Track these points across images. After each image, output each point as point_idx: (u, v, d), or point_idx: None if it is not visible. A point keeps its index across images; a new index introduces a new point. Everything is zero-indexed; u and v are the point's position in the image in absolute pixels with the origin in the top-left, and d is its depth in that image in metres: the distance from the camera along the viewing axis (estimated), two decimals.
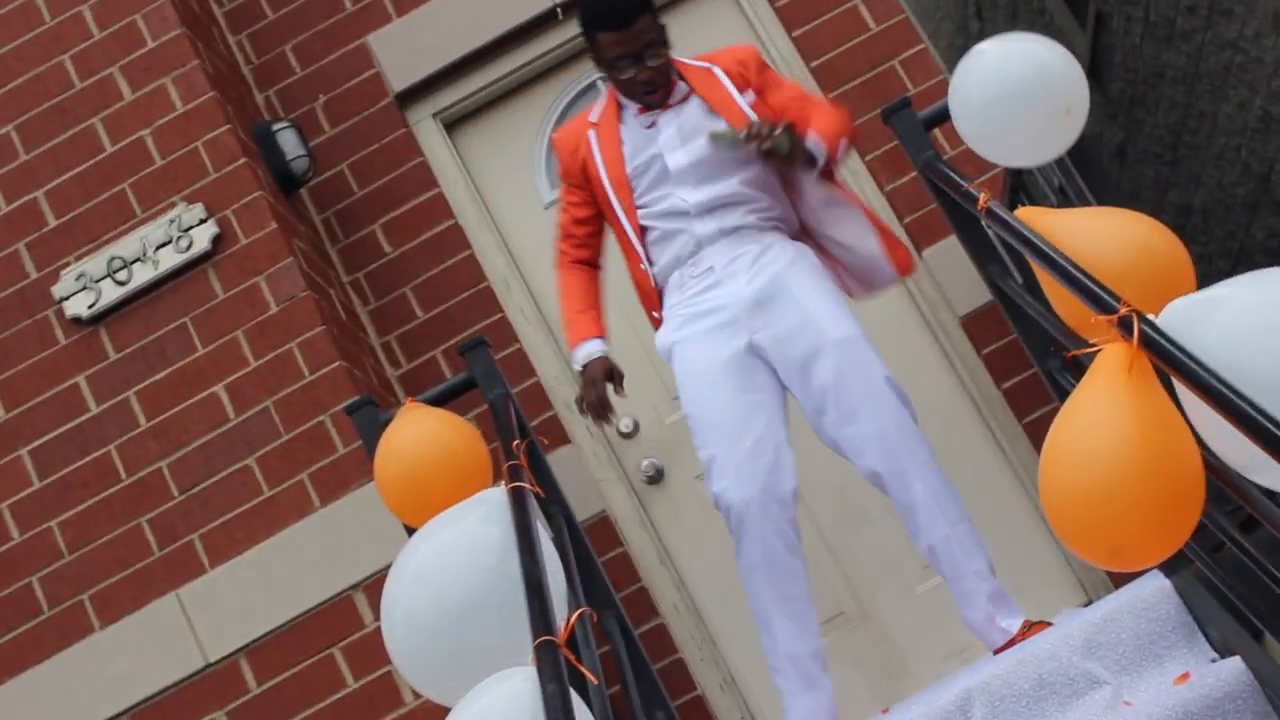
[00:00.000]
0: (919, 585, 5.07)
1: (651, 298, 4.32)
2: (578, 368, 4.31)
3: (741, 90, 4.28)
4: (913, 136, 4.25)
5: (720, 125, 4.17)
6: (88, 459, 4.88)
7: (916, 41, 5.34)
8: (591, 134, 4.35)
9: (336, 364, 4.81)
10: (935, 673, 4.97)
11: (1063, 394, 3.95)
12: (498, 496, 3.56)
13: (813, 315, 4.11)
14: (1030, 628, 3.96)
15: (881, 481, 4.10)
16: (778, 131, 4.00)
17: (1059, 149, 4.13)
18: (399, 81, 5.60)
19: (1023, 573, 4.93)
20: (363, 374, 4.97)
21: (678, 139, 4.25)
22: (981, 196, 3.72)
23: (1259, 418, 2.56)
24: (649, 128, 4.30)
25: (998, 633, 3.99)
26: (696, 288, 4.21)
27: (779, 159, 4.06)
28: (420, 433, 3.91)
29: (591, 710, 2.98)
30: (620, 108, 4.36)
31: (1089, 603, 4.86)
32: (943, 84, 5.20)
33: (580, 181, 4.36)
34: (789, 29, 5.45)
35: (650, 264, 4.28)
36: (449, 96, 5.64)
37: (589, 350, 4.28)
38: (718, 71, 4.32)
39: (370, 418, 4.26)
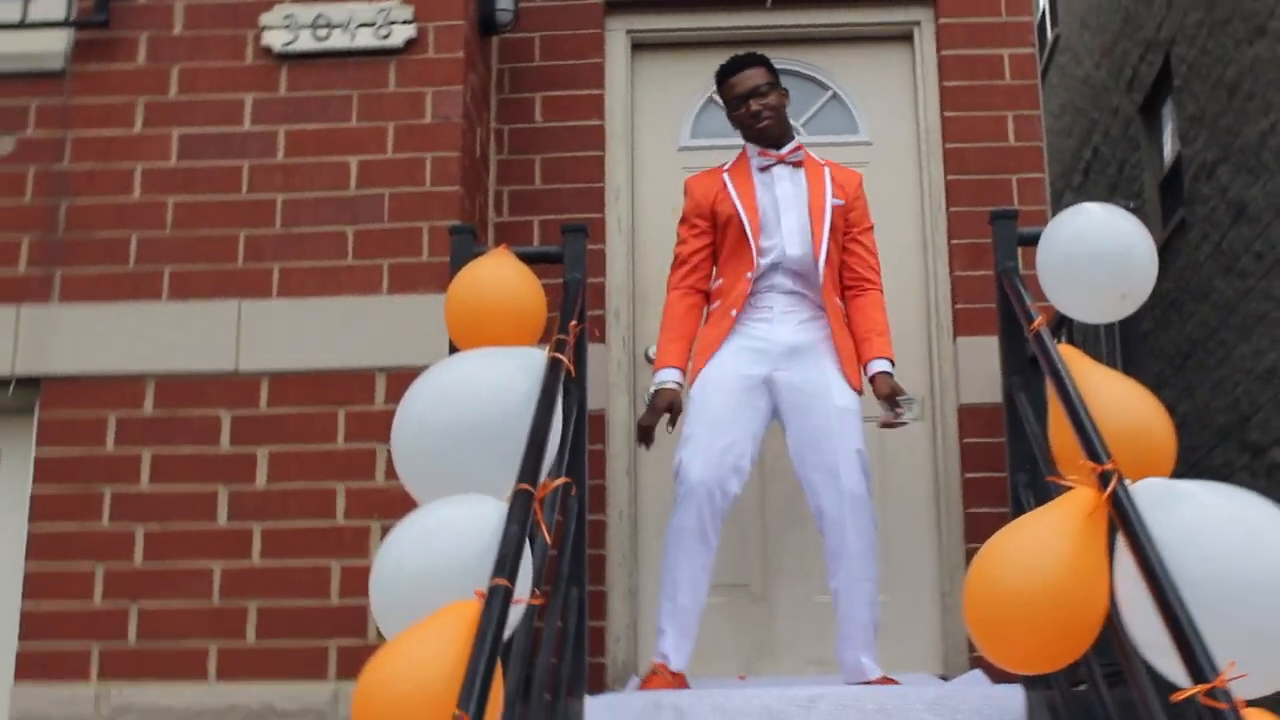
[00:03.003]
0: (818, 596, 5.11)
1: (740, 301, 4.56)
2: (653, 387, 4.59)
3: (835, 196, 4.66)
4: (1006, 244, 4.26)
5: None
6: (222, 162, 4.92)
7: (1038, 170, 5.34)
8: (726, 176, 4.72)
9: (455, 188, 4.85)
10: (795, 668, 5.05)
11: (1018, 505, 3.99)
12: (539, 357, 3.61)
13: (827, 379, 4.48)
14: (884, 681, 4.28)
15: (823, 522, 4.46)
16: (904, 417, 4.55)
17: (1105, 319, 4.13)
18: None
19: (902, 632, 5.00)
20: (470, 206, 5.00)
21: (793, 201, 4.62)
22: (1038, 320, 3.74)
23: (1176, 607, 2.61)
24: (763, 170, 4.67)
25: (858, 673, 4.33)
26: (754, 317, 4.57)
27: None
28: (502, 274, 3.91)
29: (533, 561, 3.03)
30: (748, 161, 4.71)
31: (945, 677, 4.94)
32: (1039, 214, 5.21)
33: (706, 214, 4.66)
34: (944, 108, 5.44)
35: (751, 284, 4.57)
36: (647, 23, 5.64)
37: (665, 377, 4.58)
38: (828, 172, 4.71)
39: (466, 244, 4.28)
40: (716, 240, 4.66)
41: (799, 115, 5.59)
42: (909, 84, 5.60)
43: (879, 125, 5.58)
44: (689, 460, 4.43)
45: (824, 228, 4.58)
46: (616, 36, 5.64)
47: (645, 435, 4.61)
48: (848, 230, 4.68)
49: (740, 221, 4.58)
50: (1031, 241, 4.38)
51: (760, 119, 4.66)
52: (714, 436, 4.43)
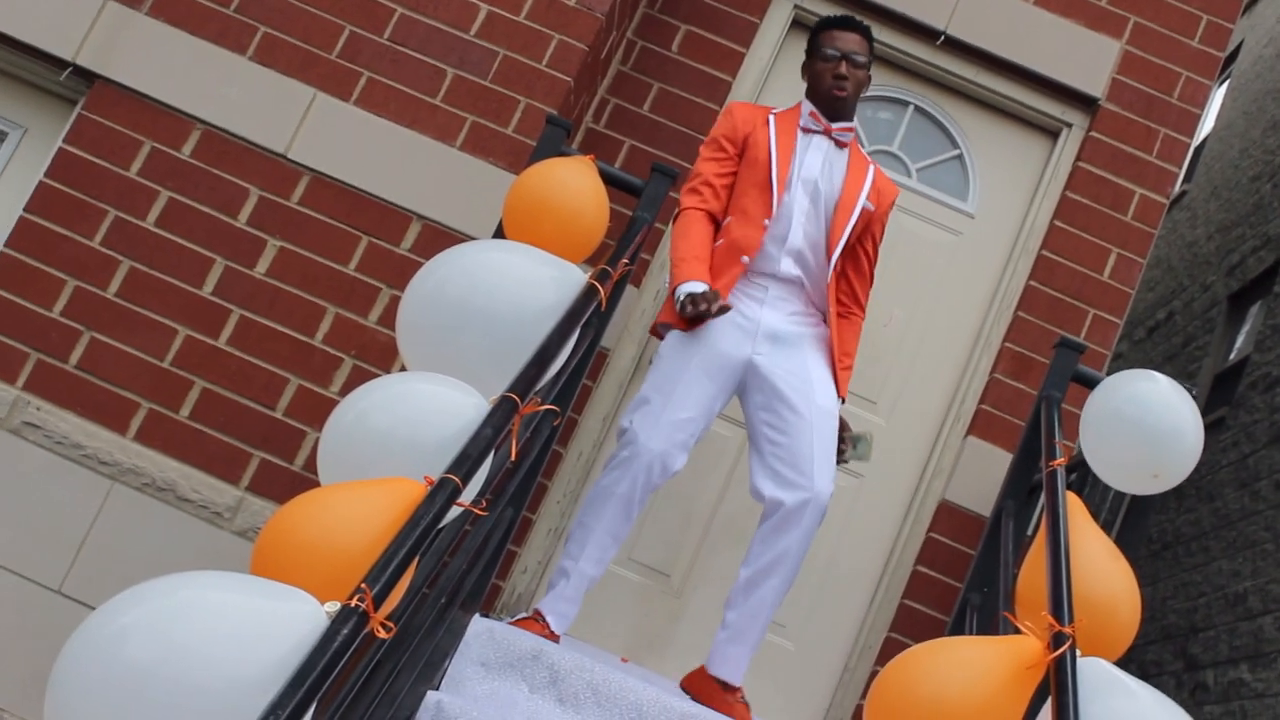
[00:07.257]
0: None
1: (753, 248, 4.36)
2: (680, 295, 4.25)
3: (868, 200, 4.48)
4: (1060, 373, 4.24)
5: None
6: None
7: (1118, 315, 5.29)
8: (771, 118, 4.52)
9: (569, 78, 4.79)
10: (678, 672, 5.02)
11: (960, 621, 3.99)
12: (577, 277, 3.57)
13: (812, 377, 4.32)
14: (739, 699, 4.19)
15: (767, 509, 4.27)
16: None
17: (1128, 489, 4.10)
18: None
19: (792, 685, 4.99)
20: (573, 102, 4.95)
21: (821, 182, 4.42)
22: (1060, 459, 3.72)
23: None
24: (805, 132, 4.49)
25: (722, 667, 4.23)
26: (749, 291, 4.39)
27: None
28: (580, 184, 3.85)
29: (488, 470, 3.01)
30: (798, 117, 4.54)
31: None
32: (1100, 357, 5.18)
33: (738, 142, 4.48)
34: (1056, 215, 5.38)
35: (766, 232, 4.38)
36: (818, 6, 5.54)
37: (697, 284, 4.28)
38: (871, 171, 4.54)
39: (557, 137, 4.23)
40: (739, 173, 4.46)
41: (920, 159, 5.54)
42: (1034, 178, 5.54)
43: (988, 203, 5.52)
44: (640, 426, 4.26)
45: (849, 222, 4.40)
46: (781, 5, 5.56)
47: (712, 303, 4.22)
48: (860, 239, 4.52)
49: (769, 165, 4.40)
50: (1084, 380, 4.37)
51: (842, 86, 4.46)
52: (673, 409, 4.26)
